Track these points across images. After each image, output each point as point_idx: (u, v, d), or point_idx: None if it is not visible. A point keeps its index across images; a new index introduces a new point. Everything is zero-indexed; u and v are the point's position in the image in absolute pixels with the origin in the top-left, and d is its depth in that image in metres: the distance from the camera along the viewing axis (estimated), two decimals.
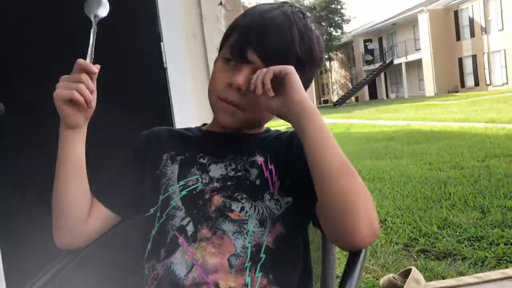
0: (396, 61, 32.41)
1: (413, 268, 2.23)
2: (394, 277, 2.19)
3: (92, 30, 0.89)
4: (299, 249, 0.89)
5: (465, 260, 2.56)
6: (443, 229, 3.10)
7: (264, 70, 0.81)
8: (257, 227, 0.84)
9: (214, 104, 0.92)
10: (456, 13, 27.82)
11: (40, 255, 1.26)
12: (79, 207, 0.91)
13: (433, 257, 2.70)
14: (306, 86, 0.93)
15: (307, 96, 0.81)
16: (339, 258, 1.83)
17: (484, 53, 26.17)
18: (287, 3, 0.93)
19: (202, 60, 2.05)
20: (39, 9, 1.88)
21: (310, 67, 0.91)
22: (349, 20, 49.55)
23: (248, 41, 0.86)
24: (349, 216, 0.74)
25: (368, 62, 35.57)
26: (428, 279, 2.36)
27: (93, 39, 0.88)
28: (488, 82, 26.06)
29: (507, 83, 24.46)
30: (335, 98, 38.54)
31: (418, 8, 29.42)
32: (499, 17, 24.64)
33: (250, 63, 0.86)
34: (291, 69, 0.81)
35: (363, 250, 0.77)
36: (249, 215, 0.84)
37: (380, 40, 35.13)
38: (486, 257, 2.56)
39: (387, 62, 33.19)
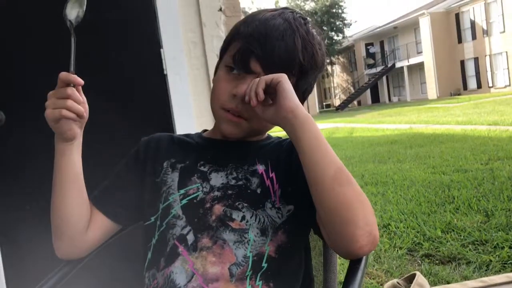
0: (398, 65, 32.41)
1: (417, 273, 2.21)
2: (398, 283, 2.17)
3: (72, 39, 0.85)
4: (300, 256, 0.88)
5: (470, 264, 2.54)
6: (447, 233, 3.08)
7: (257, 80, 0.81)
8: (258, 236, 0.83)
9: (218, 114, 0.91)
10: (457, 16, 27.82)
11: (42, 262, 1.26)
12: (78, 218, 0.91)
13: (437, 261, 2.68)
14: (308, 91, 0.94)
15: (300, 104, 0.81)
16: (343, 263, 1.82)
17: (486, 56, 26.13)
18: (288, 9, 0.92)
19: (202, 66, 2.05)
20: (38, 15, 1.89)
21: (312, 72, 0.91)
22: (350, 24, 49.74)
23: (251, 51, 0.85)
24: (347, 224, 0.73)
25: (370, 66, 35.57)
26: (433, 283, 2.34)
27: (74, 48, 0.85)
28: (490, 85, 26.01)
29: (509, 85, 24.41)
30: (337, 102, 38.55)
31: (419, 11, 29.43)
32: (500, 20, 24.62)
33: (253, 73, 0.85)
34: (283, 77, 0.81)
35: (364, 257, 0.76)
36: (250, 224, 0.84)
37: (381, 44, 35.15)
38: (491, 261, 2.54)
39: (389, 65, 33.19)
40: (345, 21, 38.72)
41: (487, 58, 26.06)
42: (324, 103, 42.10)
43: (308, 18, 0.93)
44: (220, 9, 2.04)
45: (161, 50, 2.00)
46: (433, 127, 10.70)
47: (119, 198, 0.95)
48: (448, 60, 28.11)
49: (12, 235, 1.86)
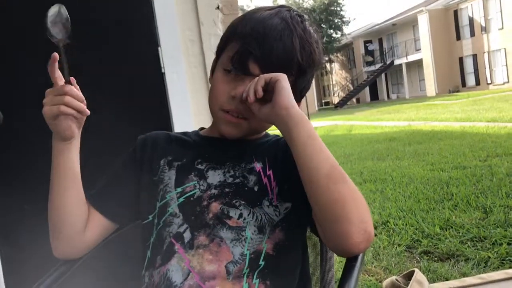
0: (396, 62, 32.41)
1: (416, 270, 2.22)
2: (397, 280, 2.18)
3: (62, 55, 0.81)
4: (297, 254, 0.88)
5: (468, 261, 2.54)
6: (446, 230, 3.08)
7: (256, 79, 0.82)
8: (256, 234, 0.83)
9: (218, 116, 0.91)
10: (455, 13, 27.82)
11: (41, 262, 1.26)
12: (76, 218, 0.91)
13: (436, 258, 2.68)
14: (306, 89, 0.94)
15: (295, 104, 0.81)
16: (341, 261, 1.82)
17: (484, 52, 26.14)
18: (285, 7, 0.92)
19: (200, 64, 2.05)
20: (36, 16, 1.88)
21: (310, 71, 0.91)
22: (349, 22, 49.72)
23: (249, 52, 0.85)
24: (341, 221, 0.74)
25: (368, 63, 35.57)
26: (431, 280, 2.35)
27: (66, 60, 0.82)
28: (489, 81, 26.03)
29: (508, 82, 24.43)
30: (336, 100, 38.55)
31: (418, 8, 29.43)
32: (498, 16, 24.62)
33: (252, 74, 0.85)
34: (281, 76, 0.81)
35: (360, 255, 0.76)
36: (247, 222, 0.84)
37: (380, 41, 35.14)
38: (489, 257, 2.54)
39: (388, 63, 33.19)
40: (344, 19, 38.68)
41: (486, 55, 26.07)
42: (323, 101, 42.10)
43: (305, 16, 0.93)
44: (218, 7, 2.04)
45: (159, 48, 2.00)
46: (432, 124, 10.71)
47: (116, 197, 0.95)
48: (446, 57, 28.12)
49: (11, 235, 1.86)
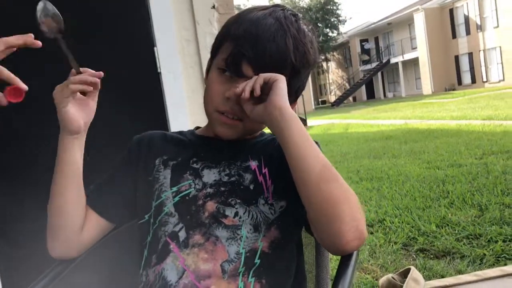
0: (392, 60, 32.46)
1: (412, 267, 2.23)
2: (393, 277, 2.19)
3: (62, 47, 0.81)
4: (293, 252, 0.89)
5: (464, 258, 2.56)
6: (442, 228, 3.10)
7: (255, 77, 0.82)
8: (251, 232, 0.83)
9: (213, 117, 0.91)
10: (451, 11, 27.88)
11: (38, 259, 1.27)
12: (75, 218, 0.90)
13: (432, 256, 2.70)
14: (301, 89, 0.94)
15: (288, 105, 0.81)
16: (337, 259, 1.83)
17: (480, 51, 26.22)
18: (279, 6, 0.92)
19: (196, 64, 2.05)
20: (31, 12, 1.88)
21: (304, 71, 0.91)
22: (345, 21, 49.71)
23: (243, 54, 0.85)
24: (334, 220, 0.74)
25: (365, 62, 35.61)
26: (427, 278, 2.36)
27: (68, 51, 0.81)
28: (484, 79, 26.11)
29: (503, 80, 24.51)
30: (332, 98, 38.59)
31: (414, 7, 29.48)
32: (494, 14, 24.69)
33: (245, 76, 0.85)
34: (280, 77, 0.82)
35: (354, 253, 0.77)
36: (243, 221, 0.84)
37: (376, 40, 35.18)
38: (485, 254, 2.56)
39: (384, 61, 33.24)
40: (340, 18, 38.74)
41: (481, 53, 26.14)
42: (319, 100, 42.13)
43: (299, 14, 0.93)
44: (213, 7, 2.04)
45: (155, 48, 2.00)
46: (428, 123, 10.74)
47: (113, 197, 0.95)
48: (442, 56, 28.19)
49: (9, 234, 1.86)
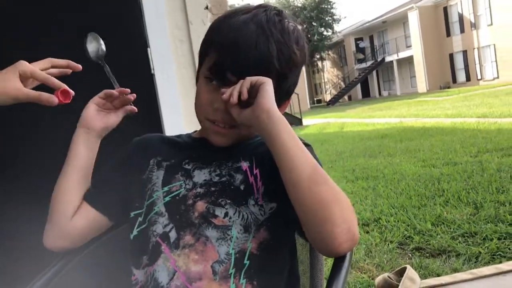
0: (387, 59, 32.55)
1: (408, 266, 2.23)
2: (389, 276, 2.19)
3: (105, 69, 1.04)
4: (284, 254, 0.88)
5: (459, 257, 2.57)
6: (437, 226, 3.11)
7: (241, 81, 0.82)
8: (241, 233, 0.83)
9: (205, 125, 0.92)
10: (445, 9, 27.98)
11: (36, 258, 1.26)
12: (67, 202, 0.94)
13: (427, 254, 2.70)
14: (293, 88, 0.94)
15: (276, 108, 0.81)
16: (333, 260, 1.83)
17: (474, 48, 26.33)
18: (262, 7, 0.90)
19: (189, 65, 2.04)
20: (33, 13, 1.87)
21: (293, 72, 0.90)
22: (340, 20, 49.71)
23: (226, 64, 0.85)
24: (325, 222, 0.74)
25: (360, 61, 35.69)
26: (423, 276, 2.36)
27: (108, 72, 1.04)
28: (479, 77, 26.23)
29: (497, 78, 24.63)
30: (328, 97, 38.63)
31: (408, 5, 29.56)
32: (487, 12, 24.81)
33: (232, 84, 0.85)
34: (266, 80, 0.82)
35: (348, 255, 0.76)
36: (233, 221, 0.84)
37: (371, 38, 35.26)
38: (480, 252, 2.57)
39: (379, 60, 33.32)
40: (335, 17, 38.78)
41: (476, 51, 26.26)
42: (315, 99, 42.19)
43: (283, 12, 0.91)
44: (207, 7, 2.04)
45: (148, 49, 1.99)
46: (423, 121, 10.78)
47: (105, 191, 0.97)
48: (437, 54, 28.29)
49: (8, 233, 1.85)
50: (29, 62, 0.90)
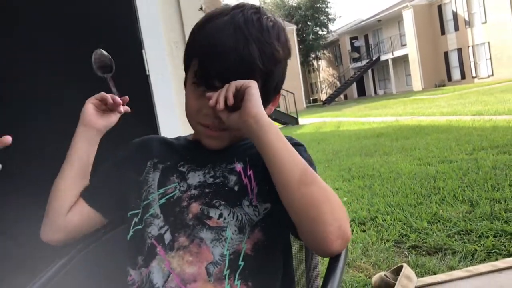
0: (382, 58, 32.62)
1: (405, 265, 2.24)
2: (385, 275, 2.20)
3: (110, 84, 1.06)
4: (279, 255, 0.89)
5: (456, 254, 2.58)
6: (433, 224, 3.12)
7: (227, 85, 0.82)
8: (236, 234, 0.84)
9: (197, 129, 0.93)
10: (439, 8, 28.07)
11: (36, 258, 1.27)
12: (63, 198, 0.96)
13: (424, 252, 2.71)
14: (280, 84, 0.94)
15: (263, 112, 0.81)
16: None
17: (469, 46, 26.43)
18: (239, 7, 0.90)
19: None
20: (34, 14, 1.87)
21: (278, 68, 0.90)
22: (335, 19, 49.87)
23: (209, 70, 0.86)
24: (316, 222, 0.74)
25: (355, 60, 35.75)
26: (420, 275, 2.37)
27: (113, 87, 1.05)
28: (474, 75, 26.33)
29: (492, 75, 24.74)
30: (324, 96, 38.70)
31: (403, 4, 29.64)
32: (482, 10, 24.91)
33: (218, 89, 0.85)
34: (252, 83, 0.82)
35: (343, 255, 0.77)
36: (228, 222, 0.85)
37: (366, 37, 35.32)
38: (476, 250, 2.58)
39: (374, 58, 33.39)
40: (330, 16, 38.86)
41: (470, 49, 26.35)
42: (311, 98, 42.24)
43: (262, 8, 0.90)
44: (201, 8, 2.04)
45: (143, 51, 1.99)
46: (419, 119, 10.81)
47: (102, 190, 0.98)
48: (432, 52, 28.38)
49: (7, 232, 1.84)
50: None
